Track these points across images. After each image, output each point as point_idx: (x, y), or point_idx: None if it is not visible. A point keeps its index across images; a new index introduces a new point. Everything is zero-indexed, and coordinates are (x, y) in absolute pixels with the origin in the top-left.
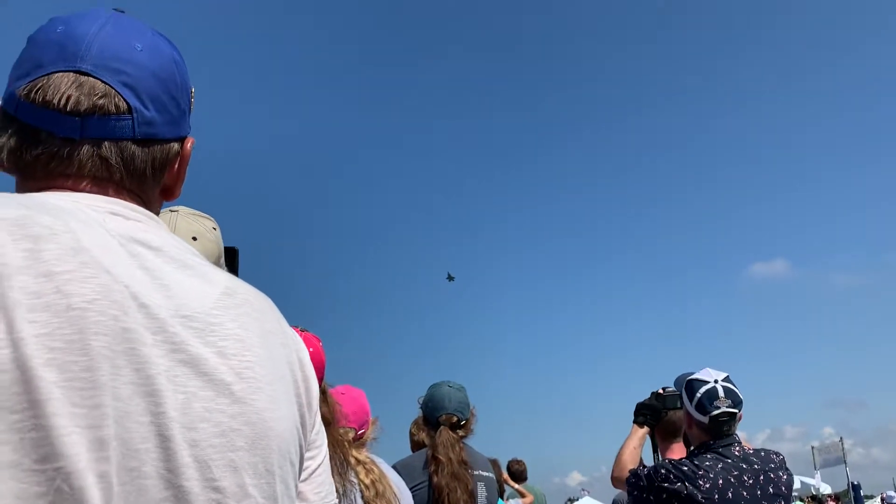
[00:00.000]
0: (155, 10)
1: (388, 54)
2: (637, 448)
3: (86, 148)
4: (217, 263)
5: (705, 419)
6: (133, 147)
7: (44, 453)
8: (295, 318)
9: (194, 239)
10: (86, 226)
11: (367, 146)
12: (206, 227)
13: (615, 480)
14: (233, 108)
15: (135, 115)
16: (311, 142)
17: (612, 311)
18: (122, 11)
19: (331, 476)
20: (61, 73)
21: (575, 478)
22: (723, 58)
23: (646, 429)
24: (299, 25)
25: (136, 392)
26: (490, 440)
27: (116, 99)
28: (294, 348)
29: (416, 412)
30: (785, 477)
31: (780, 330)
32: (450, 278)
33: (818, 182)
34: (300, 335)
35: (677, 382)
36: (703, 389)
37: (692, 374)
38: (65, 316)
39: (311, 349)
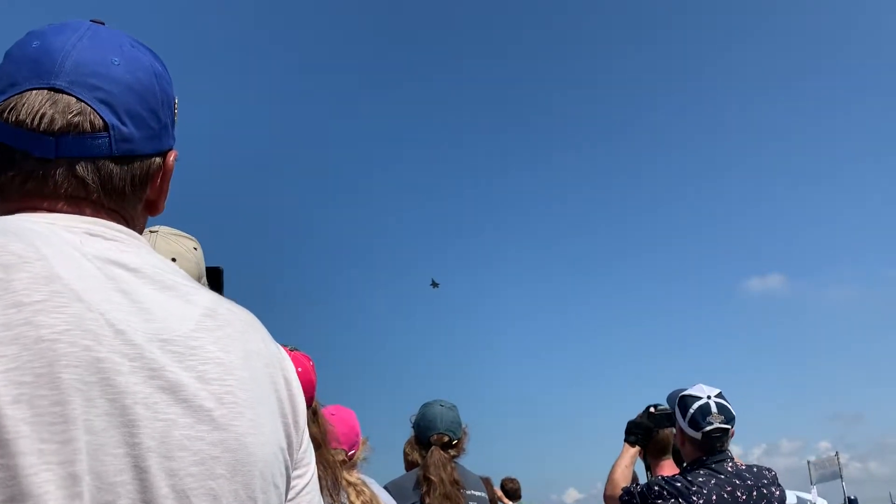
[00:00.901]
0: (140, 15)
1: (374, 57)
2: (629, 467)
3: (61, 168)
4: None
5: (698, 435)
6: (111, 165)
7: (10, 494)
8: (280, 334)
9: (173, 260)
10: (60, 251)
11: (348, 151)
12: (187, 247)
13: (608, 500)
14: (214, 114)
15: (112, 132)
16: (290, 150)
17: (606, 325)
18: (102, 23)
19: (320, 494)
20: (35, 91)
21: (571, 495)
22: (718, 67)
23: (637, 448)
24: (285, 28)
25: (111, 423)
26: (483, 457)
27: (92, 116)
28: (279, 366)
29: (406, 429)
30: (778, 493)
31: (776, 344)
32: (434, 285)
33: (814, 194)
34: (290, 355)
35: (670, 398)
36: (695, 405)
37: (685, 389)
38: (34, 348)
39: (299, 369)
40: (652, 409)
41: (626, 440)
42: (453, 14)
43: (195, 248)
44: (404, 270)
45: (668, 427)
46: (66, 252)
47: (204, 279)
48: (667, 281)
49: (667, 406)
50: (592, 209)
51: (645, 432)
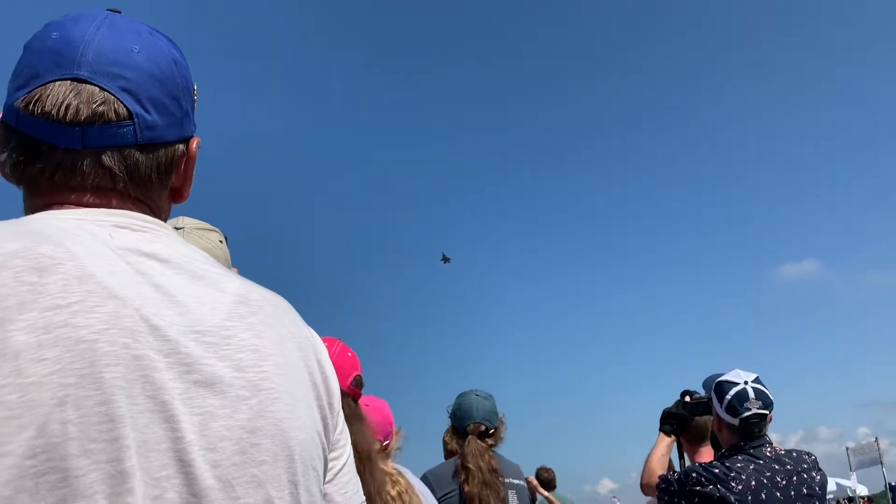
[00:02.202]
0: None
1: (391, 48)
2: (665, 455)
3: (88, 158)
4: None
5: (735, 421)
6: (136, 153)
7: (62, 495)
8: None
9: None
10: (90, 249)
11: (372, 145)
12: (213, 241)
13: (644, 488)
14: (234, 104)
15: (136, 120)
16: (314, 142)
17: (639, 312)
18: (118, 11)
19: (356, 475)
20: (59, 82)
21: (605, 485)
22: (750, 54)
23: (672, 438)
24: (296, 19)
25: (153, 420)
26: (516, 448)
27: (116, 105)
28: (312, 349)
29: (438, 417)
30: (818, 477)
31: (812, 330)
32: (445, 259)
33: (848, 178)
34: (338, 342)
35: (706, 384)
36: (732, 391)
37: (721, 375)
38: (75, 350)
39: (349, 353)
40: (687, 398)
41: (661, 429)
42: (472, 10)
43: (221, 241)
44: (428, 262)
45: (703, 415)
46: (96, 249)
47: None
48: (699, 268)
49: (701, 394)
50: (624, 196)
51: (680, 422)
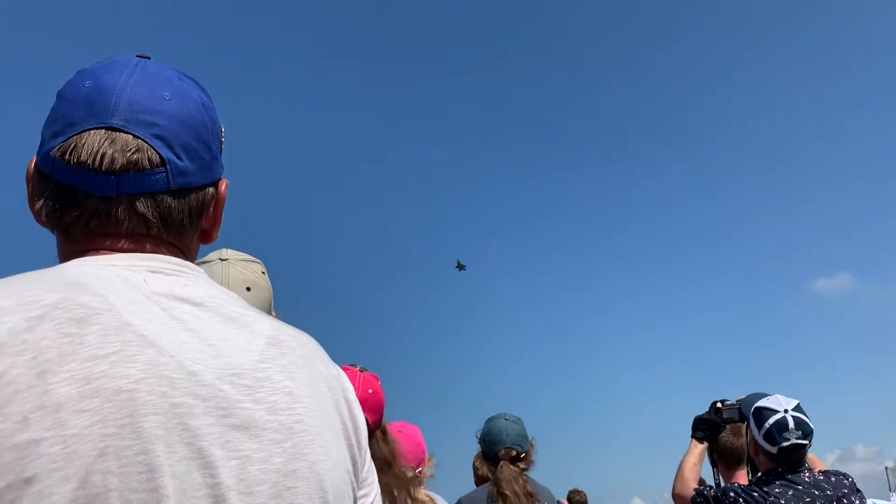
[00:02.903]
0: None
1: (406, 53)
2: (697, 464)
3: (123, 205)
4: (268, 309)
5: (774, 450)
6: (169, 199)
7: None
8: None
9: (248, 290)
10: (126, 297)
11: (391, 152)
12: (257, 272)
13: (677, 497)
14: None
15: (168, 166)
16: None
17: (670, 327)
18: (148, 57)
19: None
20: (94, 131)
21: None
22: (785, 72)
23: (705, 444)
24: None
25: (191, 467)
26: (544, 470)
27: (149, 152)
28: (340, 388)
29: (463, 441)
30: (857, 501)
31: (847, 346)
32: (460, 267)
33: (881, 190)
34: (360, 375)
35: (745, 404)
36: (772, 419)
37: (761, 395)
38: (115, 400)
39: (370, 390)
40: (718, 405)
41: (693, 436)
42: (491, 17)
43: (263, 273)
44: (447, 283)
45: (735, 422)
46: (132, 296)
47: (272, 304)
48: (731, 282)
49: (733, 402)
50: (656, 210)
51: (712, 427)
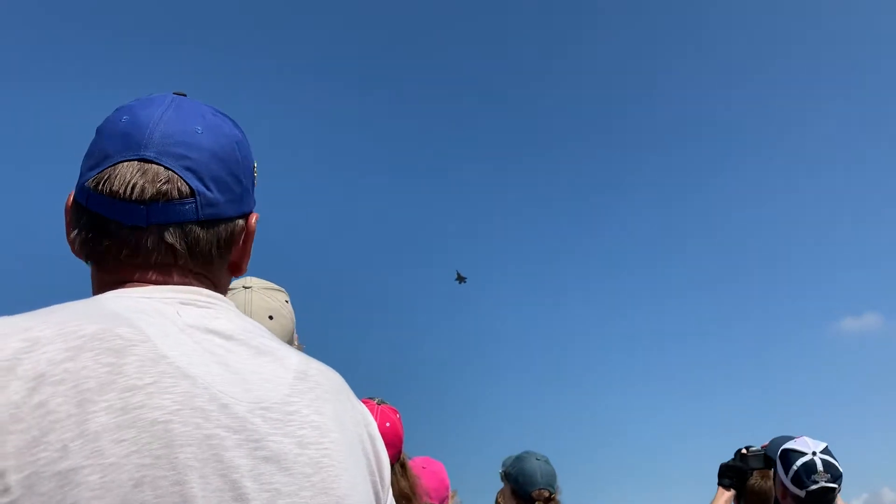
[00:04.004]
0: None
1: (408, 63)
2: None
3: (152, 235)
4: (290, 338)
5: (802, 493)
6: (197, 229)
7: None
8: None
9: (270, 318)
10: (161, 329)
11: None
12: (280, 301)
13: None
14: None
15: (198, 197)
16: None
17: (690, 368)
18: (184, 94)
19: None
20: (127, 163)
21: None
22: (811, 102)
23: (732, 492)
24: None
25: (224, 499)
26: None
27: (179, 183)
28: (364, 424)
29: (477, 472)
30: None
31: (874, 387)
32: (460, 279)
33: None
34: (378, 408)
35: (771, 448)
36: (800, 462)
37: (787, 438)
38: (151, 430)
39: (388, 423)
40: (744, 451)
41: (720, 483)
42: (491, 23)
43: (286, 301)
44: (462, 311)
45: (762, 468)
46: (166, 329)
47: (295, 333)
48: (756, 322)
49: (758, 448)
50: (678, 245)
51: (739, 475)
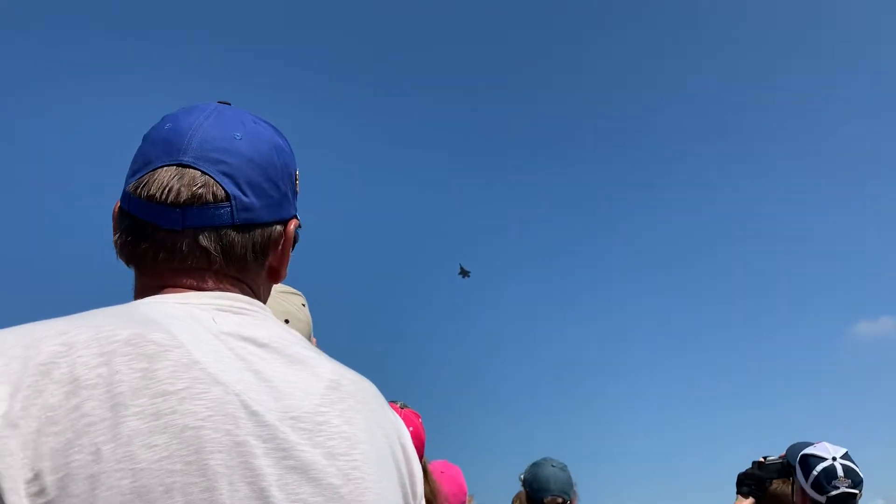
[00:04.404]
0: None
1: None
2: None
3: (188, 239)
4: (308, 340)
5: (822, 499)
6: (232, 233)
7: None
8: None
9: (286, 322)
10: (195, 335)
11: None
12: (296, 304)
13: None
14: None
15: (233, 201)
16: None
17: (706, 372)
18: (228, 103)
19: None
20: (166, 168)
21: None
22: (832, 112)
23: (751, 499)
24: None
25: None
26: None
27: (214, 188)
28: (396, 435)
29: (494, 476)
30: None
31: (891, 391)
32: (463, 273)
33: None
34: (401, 412)
35: (790, 453)
36: (820, 467)
37: (806, 444)
38: (182, 436)
39: (411, 428)
40: (762, 460)
41: (738, 492)
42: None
43: (303, 305)
44: (484, 315)
45: (780, 478)
46: (200, 335)
47: (312, 336)
48: (771, 327)
49: (776, 457)
50: (703, 261)
51: (757, 483)
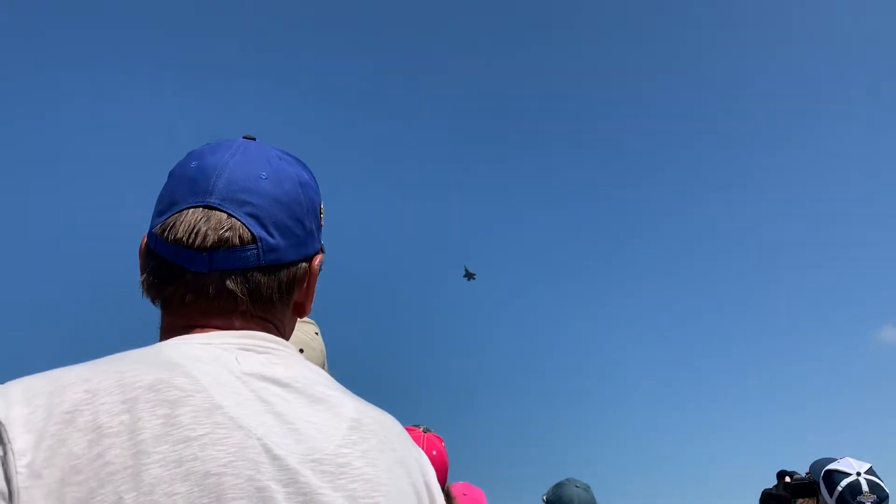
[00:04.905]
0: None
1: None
2: None
3: (214, 281)
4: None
5: None
6: (258, 275)
7: None
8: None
9: (301, 351)
10: (217, 378)
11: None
12: (310, 333)
13: None
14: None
15: (259, 244)
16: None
17: (727, 380)
18: (253, 138)
19: None
20: (192, 209)
21: None
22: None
23: None
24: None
25: None
26: None
27: (241, 230)
28: (420, 472)
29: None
30: None
31: None
32: (469, 276)
33: None
34: (424, 436)
35: (814, 470)
36: (844, 482)
37: (830, 460)
38: (204, 484)
39: (434, 452)
40: (787, 479)
41: None
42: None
43: (317, 334)
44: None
45: (806, 497)
46: (222, 378)
47: (326, 364)
48: (794, 335)
49: (802, 475)
50: (723, 266)
51: (782, 502)
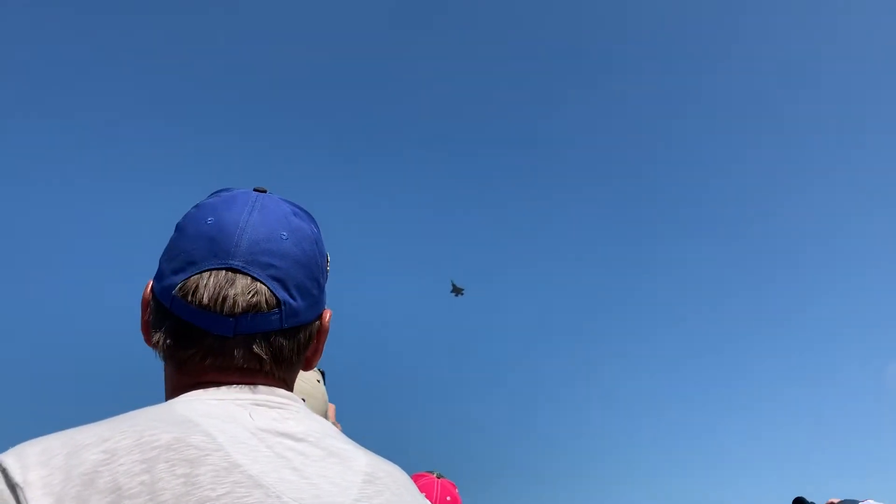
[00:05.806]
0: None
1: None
2: None
3: (239, 345)
4: (324, 417)
5: None
6: (280, 339)
7: None
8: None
9: (303, 401)
10: (234, 436)
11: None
12: (311, 381)
13: None
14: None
15: (283, 308)
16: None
17: (743, 411)
18: (265, 191)
19: None
20: (214, 271)
21: None
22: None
23: None
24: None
25: None
26: None
27: (267, 295)
28: None
29: None
30: None
31: None
32: (456, 291)
33: None
34: (438, 482)
35: None
36: None
37: (853, 502)
38: None
39: (448, 498)
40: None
41: None
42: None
43: (318, 381)
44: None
45: None
46: (238, 435)
47: (328, 412)
48: (808, 369)
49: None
50: (739, 301)
51: None
